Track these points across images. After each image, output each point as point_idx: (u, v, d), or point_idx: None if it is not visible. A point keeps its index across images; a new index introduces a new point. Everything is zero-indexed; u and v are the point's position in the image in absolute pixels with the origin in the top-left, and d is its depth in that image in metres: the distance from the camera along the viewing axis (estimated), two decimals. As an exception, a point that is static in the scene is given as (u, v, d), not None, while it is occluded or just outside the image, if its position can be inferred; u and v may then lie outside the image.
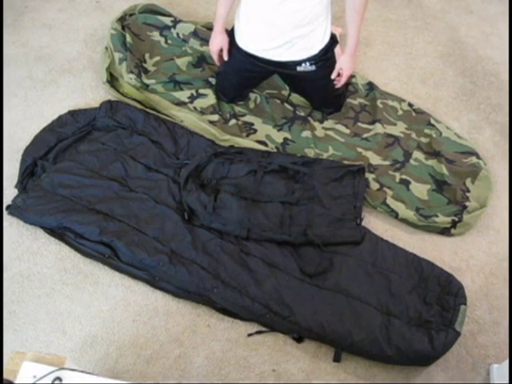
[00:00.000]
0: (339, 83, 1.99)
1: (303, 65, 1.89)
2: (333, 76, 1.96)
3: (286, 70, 1.94)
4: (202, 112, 2.10)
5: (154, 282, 1.70)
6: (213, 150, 1.96)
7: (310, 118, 2.12)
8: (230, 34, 1.95)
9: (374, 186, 1.95)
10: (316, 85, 2.01)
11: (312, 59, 1.88)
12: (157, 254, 1.69)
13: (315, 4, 1.73)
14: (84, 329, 1.65)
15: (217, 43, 1.96)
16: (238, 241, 1.76)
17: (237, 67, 1.99)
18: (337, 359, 1.60)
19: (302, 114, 2.13)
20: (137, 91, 2.10)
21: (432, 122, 2.15)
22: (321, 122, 2.12)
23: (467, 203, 1.89)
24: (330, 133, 2.09)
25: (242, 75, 2.03)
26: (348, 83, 2.17)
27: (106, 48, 2.19)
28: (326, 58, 1.90)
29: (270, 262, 1.72)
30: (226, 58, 1.98)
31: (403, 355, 1.55)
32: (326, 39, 1.87)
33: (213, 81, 2.18)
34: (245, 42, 1.88)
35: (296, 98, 2.16)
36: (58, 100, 2.17)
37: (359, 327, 1.58)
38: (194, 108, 2.10)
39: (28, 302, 1.68)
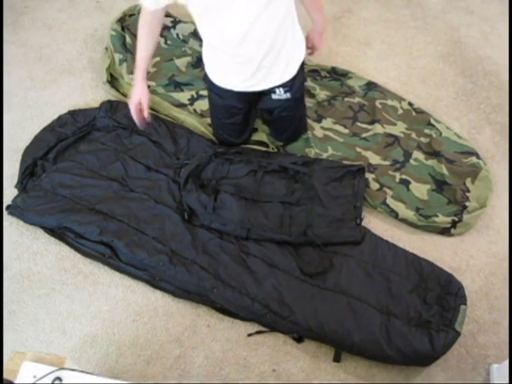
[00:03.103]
0: (314, 47, 1.88)
1: (278, 92, 1.78)
2: (315, 46, 1.87)
3: (263, 99, 1.82)
4: (202, 115, 2.09)
5: (153, 282, 1.70)
6: (213, 150, 1.96)
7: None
8: (204, 75, 1.84)
9: (374, 186, 1.95)
10: (287, 116, 1.91)
11: (286, 85, 1.77)
12: (157, 254, 1.69)
13: (279, 25, 1.58)
14: (84, 329, 1.65)
15: (136, 94, 1.69)
16: (238, 241, 1.76)
17: (224, 108, 1.86)
18: (337, 359, 1.60)
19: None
20: (137, 91, 2.10)
21: (432, 121, 2.15)
22: (319, 121, 2.12)
23: (467, 203, 1.89)
24: (329, 133, 2.09)
25: (233, 113, 1.87)
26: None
27: (106, 48, 2.19)
28: (299, 80, 1.81)
29: (270, 262, 1.72)
30: (145, 114, 1.73)
31: (403, 355, 1.55)
32: (299, 59, 1.77)
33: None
34: (218, 79, 1.77)
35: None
36: (58, 100, 2.17)
37: (359, 327, 1.58)
38: (194, 110, 2.10)
39: (28, 301, 1.69)
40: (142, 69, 1.69)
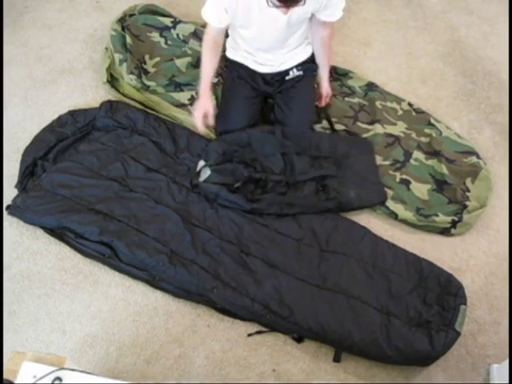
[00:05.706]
0: (321, 103, 2.09)
1: (291, 73, 1.98)
2: (322, 103, 2.08)
3: (277, 80, 1.99)
4: (202, 115, 2.09)
5: (153, 282, 1.70)
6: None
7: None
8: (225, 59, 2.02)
9: (374, 186, 1.95)
10: (300, 92, 2.00)
11: (299, 65, 1.98)
12: (157, 254, 1.69)
13: (297, 39, 1.87)
14: (84, 329, 1.65)
15: (202, 105, 1.84)
16: (238, 241, 1.76)
17: (240, 96, 1.98)
18: (337, 359, 1.61)
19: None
20: (137, 92, 2.10)
21: (432, 121, 2.15)
22: (319, 122, 2.11)
23: (467, 203, 1.89)
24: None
25: (246, 102, 1.99)
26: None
27: (106, 48, 2.19)
28: (310, 63, 2.02)
29: (270, 262, 1.72)
30: (211, 122, 1.90)
31: (403, 355, 1.55)
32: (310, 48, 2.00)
33: (213, 79, 2.16)
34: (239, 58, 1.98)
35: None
36: (58, 100, 2.17)
37: (359, 327, 1.58)
38: (194, 110, 2.10)
39: (28, 301, 1.68)
40: (207, 84, 1.86)
